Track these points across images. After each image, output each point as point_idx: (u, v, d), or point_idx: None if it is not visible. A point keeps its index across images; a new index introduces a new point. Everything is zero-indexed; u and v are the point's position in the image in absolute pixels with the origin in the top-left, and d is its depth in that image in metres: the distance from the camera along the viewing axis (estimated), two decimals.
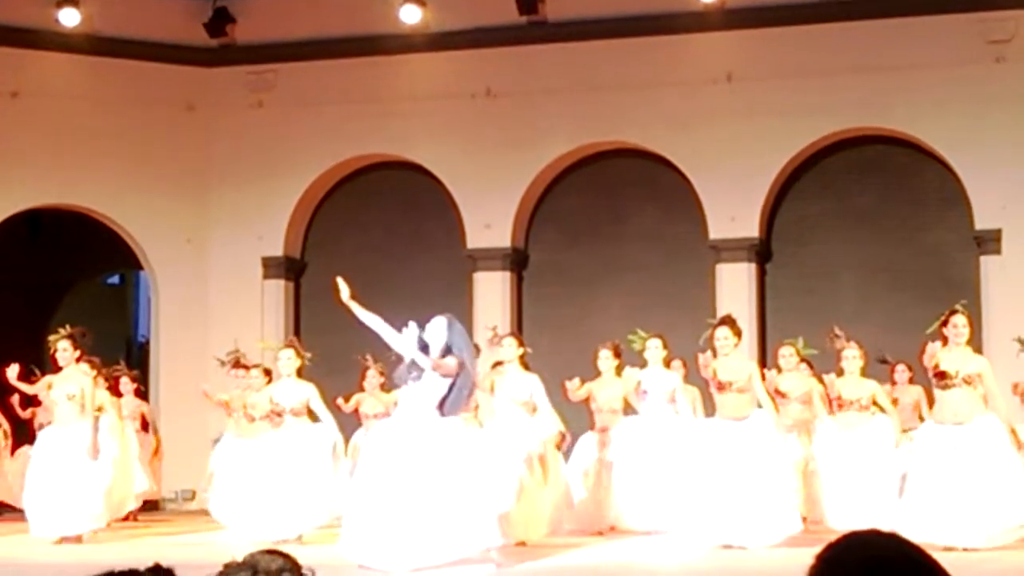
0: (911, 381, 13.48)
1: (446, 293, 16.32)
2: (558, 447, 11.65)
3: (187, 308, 17.62)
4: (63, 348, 12.15)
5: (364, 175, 18.05)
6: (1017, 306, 15.00)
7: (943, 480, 10.04)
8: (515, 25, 16.83)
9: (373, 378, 13.44)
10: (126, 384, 14.87)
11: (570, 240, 17.37)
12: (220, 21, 17.57)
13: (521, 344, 11.74)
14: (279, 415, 11.80)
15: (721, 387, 10.73)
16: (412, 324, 9.37)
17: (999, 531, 10.01)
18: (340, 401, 13.37)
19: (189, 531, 13.37)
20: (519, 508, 10.52)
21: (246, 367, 13.67)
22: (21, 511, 12.51)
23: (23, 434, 13.71)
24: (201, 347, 16.81)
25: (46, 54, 17.01)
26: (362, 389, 13.62)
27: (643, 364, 12.60)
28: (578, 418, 12.71)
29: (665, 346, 12.52)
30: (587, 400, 12.64)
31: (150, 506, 15.73)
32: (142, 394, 15.76)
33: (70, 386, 12.07)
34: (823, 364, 12.40)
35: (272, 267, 17.86)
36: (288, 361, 11.97)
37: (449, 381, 9.27)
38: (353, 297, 9.57)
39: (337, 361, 14.36)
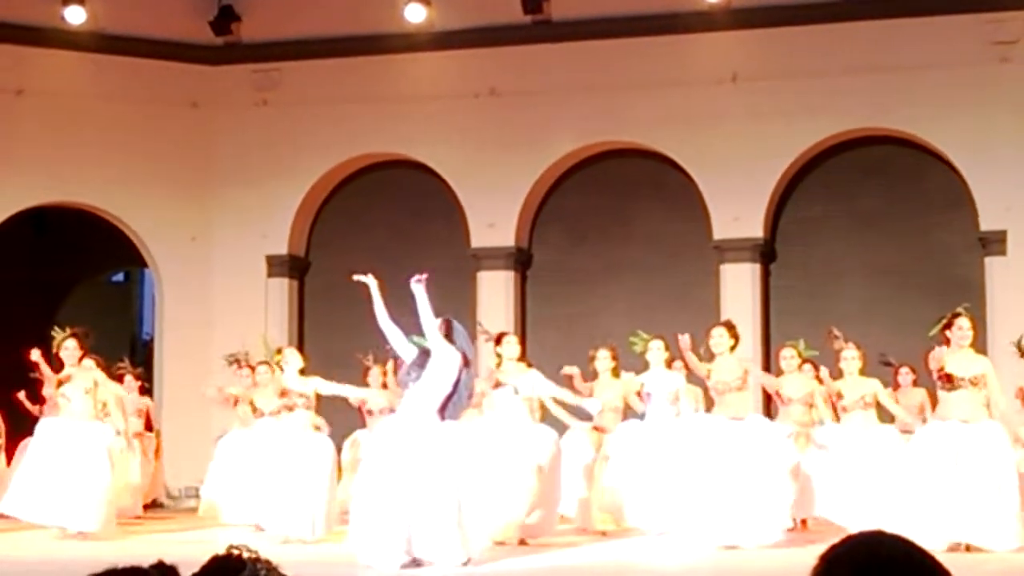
0: (915, 384, 13.44)
1: (450, 292, 16.27)
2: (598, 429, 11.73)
3: (191, 306, 17.63)
4: (71, 347, 12.17)
5: (368, 174, 18.05)
6: (1022, 307, 14.97)
7: (947, 478, 10.06)
8: (520, 24, 16.83)
9: (377, 376, 13.45)
10: (130, 382, 14.88)
11: (574, 240, 17.37)
12: (225, 19, 17.58)
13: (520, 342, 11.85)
14: (291, 409, 11.80)
15: (718, 389, 10.80)
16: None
17: (1003, 532, 10.01)
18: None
19: (190, 528, 13.36)
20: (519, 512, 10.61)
21: (251, 367, 13.71)
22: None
23: (22, 432, 13.64)
24: (205, 345, 16.84)
25: (51, 52, 17.02)
26: (366, 386, 13.66)
27: (643, 366, 12.57)
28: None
29: (667, 347, 12.49)
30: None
31: (152, 504, 15.77)
32: (146, 391, 15.79)
33: (84, 381, 12.14)
34: (825, 364, 12.39)
35: (276, 265, 17.86)
36: (293, 359, 12.01)
37: (453, 380, 9.25)
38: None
39: (340, 359, 14.40)
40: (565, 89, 16.80)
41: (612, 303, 16.79)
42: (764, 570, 9.57)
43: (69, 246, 20.01)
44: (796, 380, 12.31)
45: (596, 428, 12.59)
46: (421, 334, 9.44)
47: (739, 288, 16.31)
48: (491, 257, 17.16)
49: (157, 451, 15.53)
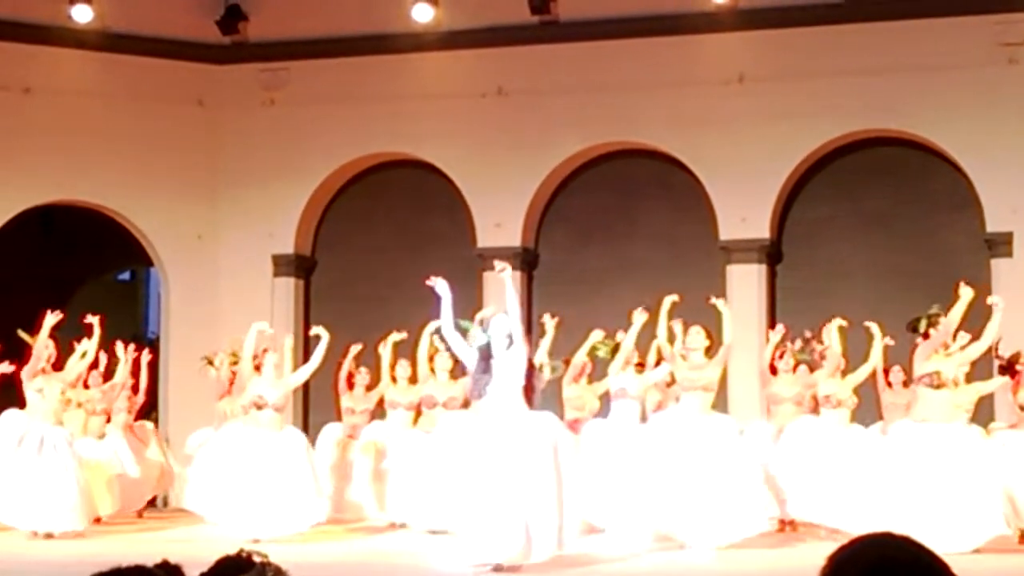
0: (905, 385, 13.41)
1: (456, 292, 16.25)
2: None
3: (197, 305, 17.64)
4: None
5: (375, 173, 18.05)
6: None
7: (924, 478, 10.19)
8: (527, 24, 16.83)
9: (402, 368, 13.46)
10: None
11: (580, 240, 17.36)
12: (232, 18, 17.59)
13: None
14: (260, 407, 11.87)
15: (684, 386, 11.03)
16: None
17: (973, 534, 10.05)
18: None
19: (187, 526, 13.35)
20: None
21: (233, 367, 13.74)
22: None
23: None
24: (211, 344, 16.77)
25: (59, 50, 17.03)
26: (378, 379, 13.82)
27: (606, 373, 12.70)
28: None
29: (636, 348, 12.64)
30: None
31: (151, 503, 15.86)
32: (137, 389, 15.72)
33: (60, 384, 12.28)
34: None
35: (282, 265, 17.86)
36: (270, 359, 12.10)
37: (526, 368, 9.23)
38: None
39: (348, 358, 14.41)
40: (572, 89, 16.79)
41: (618, 303, 16.75)
42: (763, 571, 9.58)
43: (76, 244, 20.03)
44: (788, 381, 12.57)
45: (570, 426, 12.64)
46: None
47: (746, 289, 16.30)
48: (497, 257, 17.12)
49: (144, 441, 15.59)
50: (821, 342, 12.66)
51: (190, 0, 17.69)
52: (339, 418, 14.19)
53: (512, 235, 17.14)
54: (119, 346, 14.30)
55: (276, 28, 17.74)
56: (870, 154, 16.56)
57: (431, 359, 13.05)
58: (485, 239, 17.16)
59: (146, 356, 15.05)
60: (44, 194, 17.38)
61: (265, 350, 12.40)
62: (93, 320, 13.12)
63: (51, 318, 12.46)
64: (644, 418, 12.19)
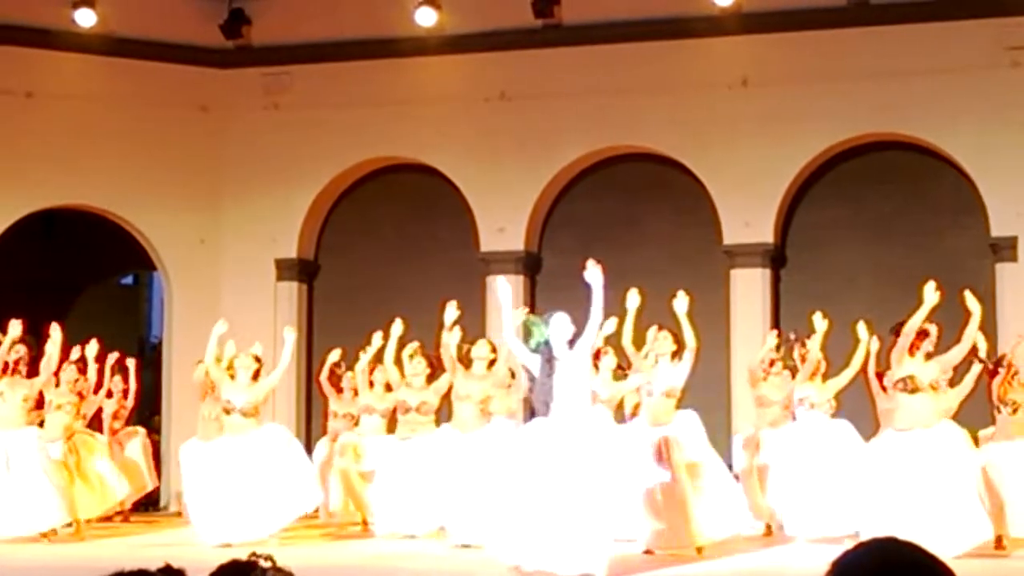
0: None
1: (459, 296, 16.27)
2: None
3: (200, 309, 17.61)
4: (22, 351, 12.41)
5: (378, 178, 18.05)
6: None
7: (906, 485, 10.19)
8: (530, 28, 16.83)
9: (418, 365, 13.29)
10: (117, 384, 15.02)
11: (584, 244, 17.30)
12: (236, 23, 17.60)
13: (493, 351, 12.21)
14: (228, 412, 11.95)
15: (650, 392, 10.99)
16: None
17: (956, 540, 10.02)
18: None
19: (180, 528, 13.38)
20: None
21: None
22: None
23: None
24: None
25: (61, 54, 17.05)
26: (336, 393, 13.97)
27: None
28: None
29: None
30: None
31: (150, 505, 15.91)
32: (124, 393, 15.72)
33: (24, 389, 12.38)
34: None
35: (285, 269, 17.86)
36: (245, 361, 12.16)
37: (589, 365, 9.18)
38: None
39: (348, 363, 14.42)
40: (575, 93, 16.79)
41: (621, 308, 16.74)
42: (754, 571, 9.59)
43: (78, 249, 20.03)
44: (776, 383, 12.62)
45: None
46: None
47: (749, 293, 16.30)
48: (500, 261, 17.14)
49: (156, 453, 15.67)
50: (804, 346, 12.65)
51: (193, 4, 17.70)
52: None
53: (515, 239, 17.14)
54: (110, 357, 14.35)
55: (279, 32, 17.74)
56: (874, 158, 16.55)
57: (397, 362, 13.04)
58: (488, 243, 17.16)
59: (132, 363, 15.13)
60: (46, 198, 17.38)
61: (236, 355, 12.55)
62: (55, 326, 13.01)
63: (57, 330, 12.51)
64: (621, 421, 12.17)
